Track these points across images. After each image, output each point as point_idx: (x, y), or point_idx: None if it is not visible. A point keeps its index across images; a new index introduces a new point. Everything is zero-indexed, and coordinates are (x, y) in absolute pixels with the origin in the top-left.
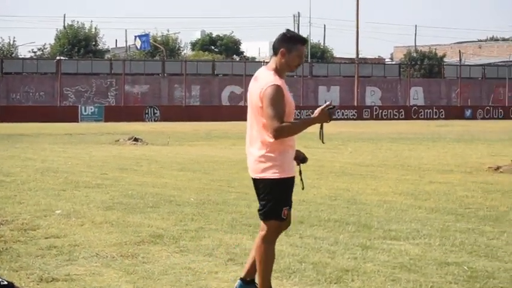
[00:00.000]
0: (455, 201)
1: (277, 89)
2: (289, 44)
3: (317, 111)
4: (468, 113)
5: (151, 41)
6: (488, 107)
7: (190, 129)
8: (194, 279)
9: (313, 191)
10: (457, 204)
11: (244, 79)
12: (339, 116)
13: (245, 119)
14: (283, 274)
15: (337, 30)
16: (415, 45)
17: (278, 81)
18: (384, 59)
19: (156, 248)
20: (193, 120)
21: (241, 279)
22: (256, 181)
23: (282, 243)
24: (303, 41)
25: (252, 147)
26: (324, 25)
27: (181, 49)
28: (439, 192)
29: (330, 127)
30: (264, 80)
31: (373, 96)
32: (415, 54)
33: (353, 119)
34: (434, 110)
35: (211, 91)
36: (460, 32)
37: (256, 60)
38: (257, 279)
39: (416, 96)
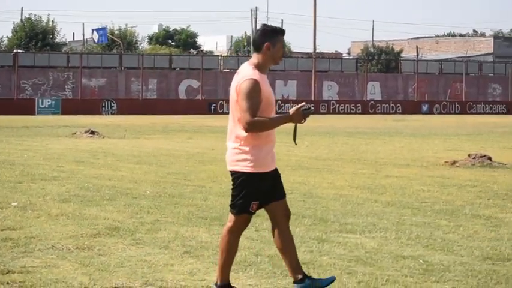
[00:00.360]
0: (411, 195)
1: (253, 83)
2: (272, 37)
3: (292, 110)
4: (425, 108)
5: (108, 34)
6: (445, 102)
7: (147, 122)
8: (150, 272)
9: None
10: (413, 198)
11: (201, 73)
12: None
13: (202, 113)
14: (239, 267)
15: (294, 25)
16: (373, 40)
17: (256, 75)
18: (341, 54)
19: (112, 240)
20: (150, 114)
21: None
22: (231, 174)
23: None
24: (283, 32)
25: (228, 140)
26: (282, 20)
27: (139, 43)
28: (395, 186)
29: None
30: (241, 74)
31: (330, 90)
32: (372, 49)
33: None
34: (391, 105)
35: (168, 85)
36: (417, 27)
37: (214, 54)
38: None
39: (373, 91)
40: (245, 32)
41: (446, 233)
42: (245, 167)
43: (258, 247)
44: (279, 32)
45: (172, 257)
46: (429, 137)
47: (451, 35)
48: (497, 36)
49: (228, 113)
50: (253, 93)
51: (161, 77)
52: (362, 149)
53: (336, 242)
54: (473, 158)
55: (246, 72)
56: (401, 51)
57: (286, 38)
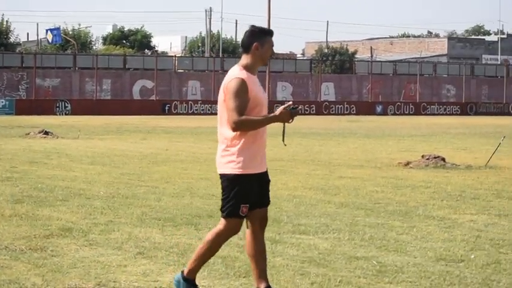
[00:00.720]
0: (364, 196)
1: (240, 82)
2: (260, 37)
3: (278, 110)
4: (379, 108)
5: (62, 34)
6: (399, 103)
7: (101, 123)
8: (103, 273)
9: None
10: (366, 199)
11: (155, 73)
12: None
13: (156, 113)
14: None
15: (248, 26)
16: (327, 41)
17: (243, 75)
18: (296, 55)
19: (65, 241)
20: (104, 114)
21: None
22: (220, 176)
23: (191, 236)
24: (271, 33)
25: (218, 142)
26: (236, 20)
27: (93, 43)
28: (348, 187)
29: None
30: (229, 75)
31: (284, 91)
32: (326, 50)
33: None
34: (345, 106)
35: (123, 85)
36: (371, 28)
37: (168, 54)
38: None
39: (328, 91)
40: (200, 33)
41: (400, 234)
42: (232, 169)
43: None
44: (267, 33)
45: (126, 257)
46: (383, 138)
47: (405, 36)
48: (452, 38)
49: (181, 114)
50: (240, 92)
51: (115, 77)
52: (316, 150)
53: (289, 243)
54: (427, 159)
55: (233, 73)
56: (355, 52)
57: (240, 38)
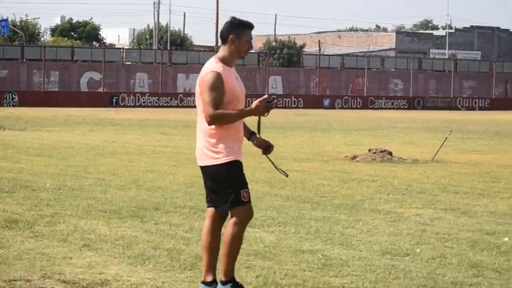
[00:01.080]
0: (311, 190)
1: (215, 76)
2: (238, 30)
3: (254, 104)
4: (326, 102)
5: (10, 26)
6: (346, 97)
7: (48, 114)
8: (48, 265)
9: (170, 178)
10: (313, 192)
11: (103, 65)
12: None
13: (104, 105)
14: (137, 260)
15: (197, 18)
16: (275, 34)
17: (218, 68)
18: None
19: (11, 233)
20: (52, 106)
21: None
22: (202, 169)
23: (136, 229)
24: (251, 26)
25: (197, 135)
26: (184, 13)
27: (41, 35)
28: (295, 181)
29: (184, 115)
30: (205, 68)
31: None
32: (274, 43)
33: None
34: (293, 99)
35: (70, 77)
36: (319, 21)
37: (116, 47)
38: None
39: (275, 85)
40: (148, 25)
41: (346, 227)
42: (217, 160)
43: (156, 240)
44: (246, 26)
45: (71, 250)
46: (330, 132)
47: (354, 30)
48: (399, 32)
49: (129, 106)
50: (215, 85)
51: (63, 69)
52: None
53: None
54: (374, 153)
55: (209, 66)
56: (303, 45)
57: (188, 31)
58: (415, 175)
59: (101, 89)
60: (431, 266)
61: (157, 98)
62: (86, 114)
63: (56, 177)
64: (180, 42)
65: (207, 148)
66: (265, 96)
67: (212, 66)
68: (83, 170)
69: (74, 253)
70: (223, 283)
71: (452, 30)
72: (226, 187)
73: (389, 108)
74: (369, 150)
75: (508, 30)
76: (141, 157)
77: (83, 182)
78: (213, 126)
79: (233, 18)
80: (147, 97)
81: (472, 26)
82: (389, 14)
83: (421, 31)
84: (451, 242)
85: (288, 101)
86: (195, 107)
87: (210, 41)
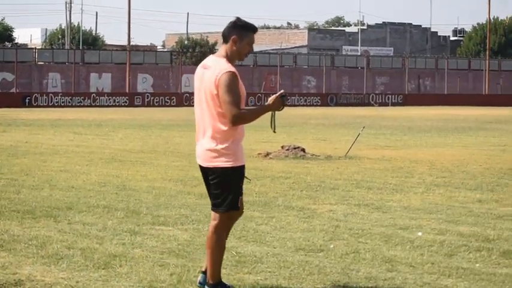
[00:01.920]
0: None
1: (234, 75)
2: (241, 31)
3: (271, 99)
4: None
5: None
6: (259, 94)
7: None
8: None
9: (83, 177)
10: None
11: (15, 66)
12: (110, 103)
13: (17, 106)
14: (51, 260)
15: (109, 17)
16: (187, 33)
17: (232, 68)
18: (156, 47)
19: None
20: None
21: (203, 272)
22: (206, 170)
23: (50, 229)
24: (254, 29)
25: (203, 136)
26: (96, 12)
27: None
28: None
29: (97, 114)
30: (218, 67)
31: (144, 83)
32: (187, 42)
33: (125, 105)
34: None
35: None
36: (231, 19)
37: (28, 47)
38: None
39: (188, 83)
40: (60, 25)
41: (259, 224)
42: (227, 162)
43: (70, 240)
44: (249, 28)
45: None
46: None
47: (266, 27)
48: (312, 29)
49: (42, 106)
50: (235, 85)
51: None
52: (176, 141)
53: (148, 234)
54: (287, 150)
55: (222, 66)
56: (215, 43)
57: (100, 30)
58: (328, 171)
59: (13, 90)
60: (345, 261)
61: (70, 97)
62: None
63: None
64: (92, 41)
65: (213, 149)
66: (282, 91)
67: (226, 66)
68: None
69: None
70: (211, 286)
71: (365, 27)
72: (226, 190)
73: (303, 105)
74: (282, 147)
75: (420, 26)
76: (54, 157)
77: None
78: (228, 128)
79: (238, 19)
80: (60, 97)
81: (384, 23)
82: (301, 12)
83: (333, 28)
84: (364, 237)
85: None
86: (108, 106)
87: (123, 40)
